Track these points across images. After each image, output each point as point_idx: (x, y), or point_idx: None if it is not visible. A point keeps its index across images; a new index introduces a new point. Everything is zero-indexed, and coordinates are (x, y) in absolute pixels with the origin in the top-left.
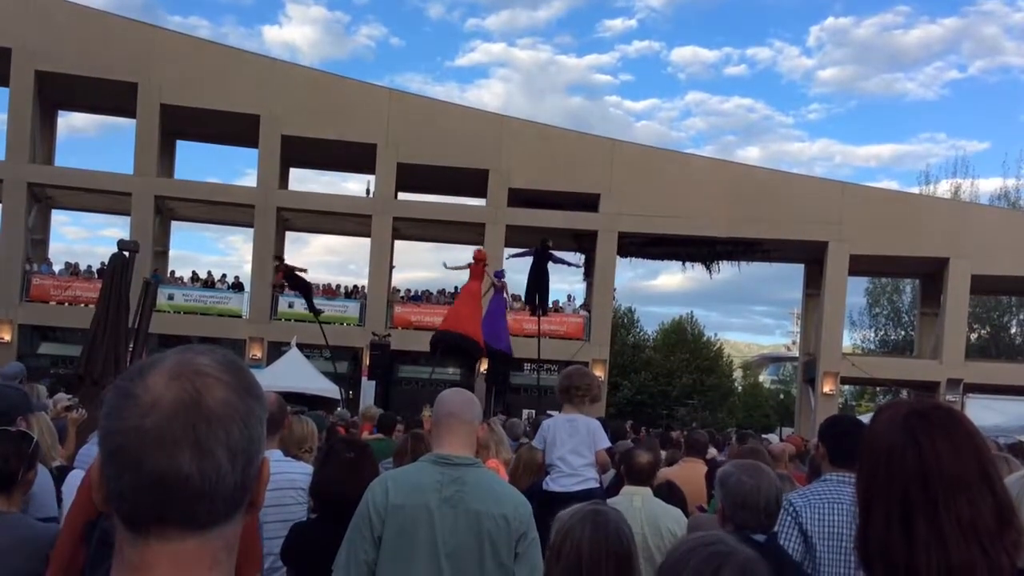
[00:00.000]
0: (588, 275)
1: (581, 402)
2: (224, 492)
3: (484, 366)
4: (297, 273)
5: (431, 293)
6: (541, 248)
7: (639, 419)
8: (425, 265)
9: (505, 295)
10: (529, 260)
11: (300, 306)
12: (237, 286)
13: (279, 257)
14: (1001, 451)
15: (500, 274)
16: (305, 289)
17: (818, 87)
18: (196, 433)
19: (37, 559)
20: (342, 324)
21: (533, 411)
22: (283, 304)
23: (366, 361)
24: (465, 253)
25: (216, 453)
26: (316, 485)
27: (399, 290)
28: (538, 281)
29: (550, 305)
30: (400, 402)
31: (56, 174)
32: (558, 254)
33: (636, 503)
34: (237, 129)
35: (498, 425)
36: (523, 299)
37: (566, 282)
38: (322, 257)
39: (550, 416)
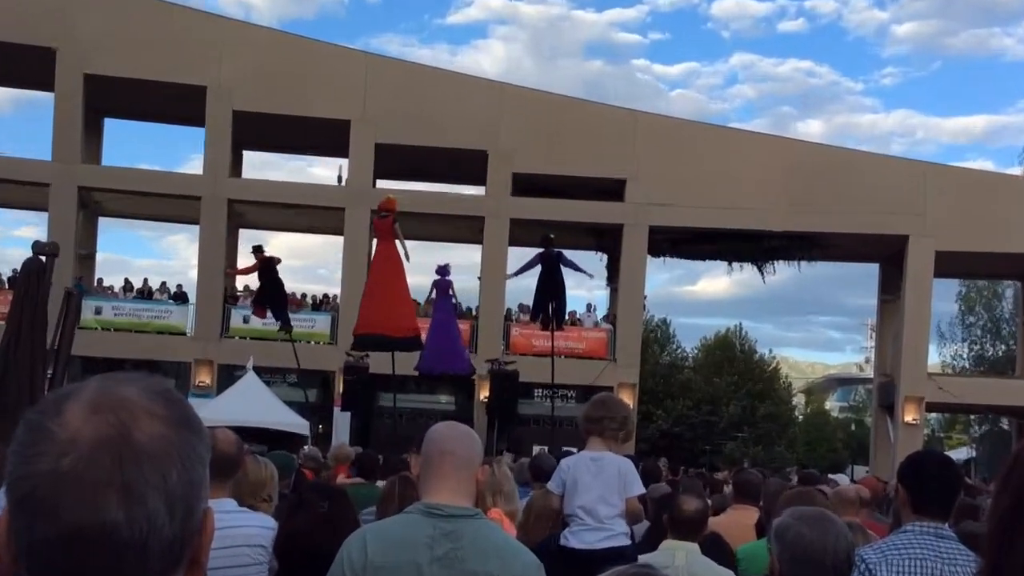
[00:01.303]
0: (612, 280)
1: (614, 437)
2: (158, 546)
3: (484, 392)
4: (275, 268)
5: (418, 304)
6: (545, 248)
7: (676, 457)
8: (412, 268)
9: (453, 299)
10: (537, 269)
11: (260, 320)
12: (180, 297)
13: (258, 248)
14: None
15: (444, 271)
16: (279, 295)
17: (894, 46)
18: (124, 475)
19: None
20: (310, 342)
21: (545, 447)
22: (236, 318)
23: (339, 388)
24: (460, 253)
25: (148, 499)
26: (283, 541)
27: None
28: (550, 287)
29: (566, 316)
30: (382, 438)
31: None
32: (568, 255)
33: (679, 560)
34: (179, 104)
35: (504, 467)
36: (531, 311)
37: (584, 288)
38: (285, 260)
39: (569, 454)
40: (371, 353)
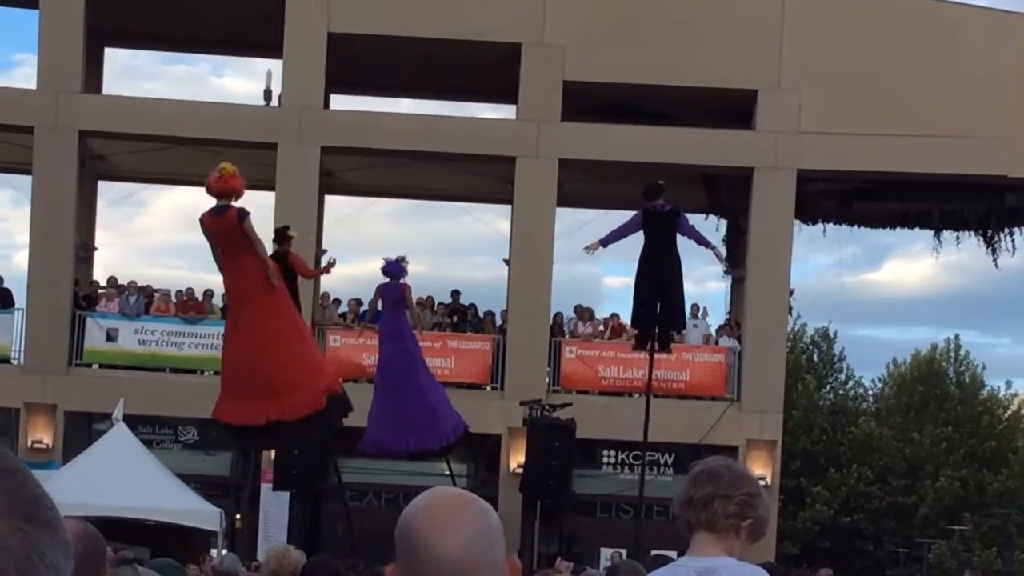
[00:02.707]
0: (734, 263)
1: (731, 532)
2: None
3: (518, 457)
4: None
5: (348, 323)
6: (649, 204)
7: (846, 564)
8: (393, 248)
9: (409, 317)
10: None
11: (159, 336)
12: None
13: (283, 230)
14: None
15: (395, 267)
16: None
17: None
18: None
19: None
20: (219, 374)
21: (622, 551)
22: (94, 332)
23: (270, 451)
24: (471, 220)
25: None
26: None
27: (335, 299)
28: (658, 274)
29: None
30: (344, 537)
31: None
32: (689, 220)
33: None
34: None
35: None
36: (632, 322)
37: (689, 277)
38: (174, 234)
39: (665, 561)
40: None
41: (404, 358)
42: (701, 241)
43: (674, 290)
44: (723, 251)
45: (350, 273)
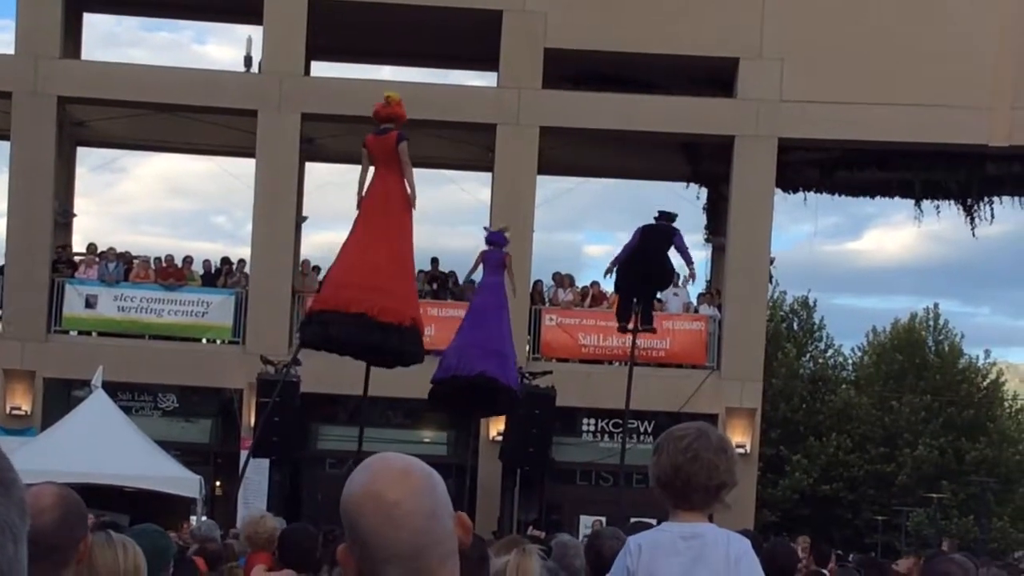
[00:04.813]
0: (715, 230)
1: (710, 498)
2: None
3: (497, 426)
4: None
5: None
6: (654, 223)
7: (826, 533)
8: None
9: (507, 279)
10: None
11: (139, 303)
12: None
13: None
14: None
15: (498, 237)
16: None
17: None
18: None
19: None
20: (200, 340)
21: (602, 519)
22: (73, 299)
23: (249, 418)
24: (453, 188)
25: None
26: None
27: (315, 266)
28: (648, 267)
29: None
30: (323, 503)
31: None
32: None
33: None
34: None
35: (532, 560)
36: (617, 303)
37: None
38: (157, 201)
39: (645, 527)
40: (300, 359)
41: (496, 307)
42: (686, 257)
43: (659, 278)
44: (698, 273)
45: (330, 241)
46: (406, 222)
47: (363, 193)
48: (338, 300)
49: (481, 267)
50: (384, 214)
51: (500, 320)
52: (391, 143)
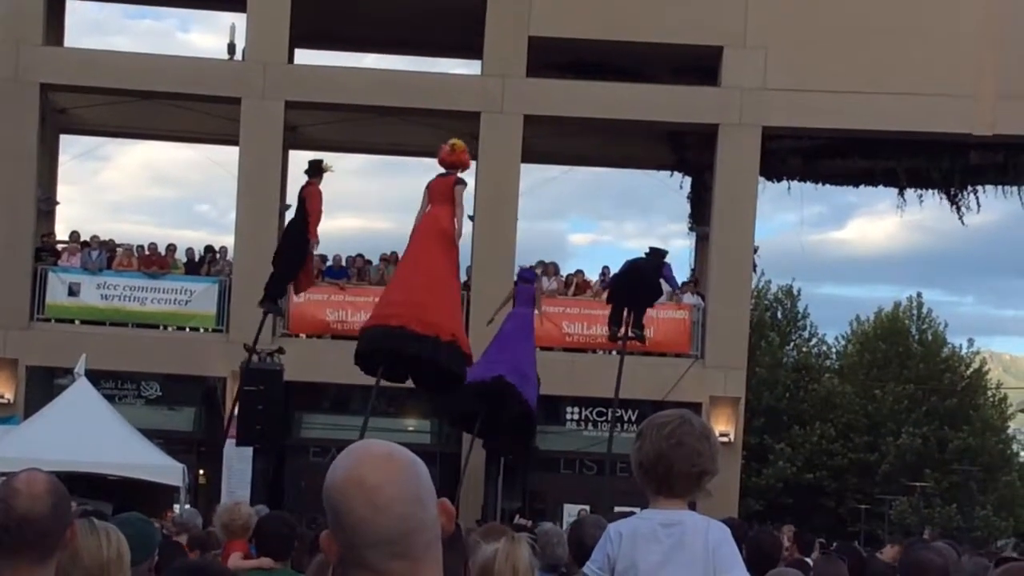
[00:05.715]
0: (699, 220)
1: (691, 486)
2: None
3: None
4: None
5: (370, 263)
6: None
7: (809, 521)
8: (359, 204)
9: (537, 309)
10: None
11: (122, 291)
12: None
13: (316, 163)
14: None
15: (529, 274)
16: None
17: None
18: None
19: None
20: (182, 328)
21: (586, 508)
22: (56, 287)
23: (232, 406)
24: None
25: None
26: None
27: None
28: (641, 282)
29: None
30: (304, 492)
31: None
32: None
33: None
34: None
35: (521, 549)
36: (610, 313)
37: (655, 236)
38: (140, 189)
39: (624, 517)
40: (283, 347)
41: (524, 336)
42: (673, 285)
43: (648, 289)
44: (682, 262)
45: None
46: (452, 253)
47: (415, 224)
48: (380, 317)
49: (512, 302)
50: (431, 241)
51: (527, 347)
52: (450, 184)
